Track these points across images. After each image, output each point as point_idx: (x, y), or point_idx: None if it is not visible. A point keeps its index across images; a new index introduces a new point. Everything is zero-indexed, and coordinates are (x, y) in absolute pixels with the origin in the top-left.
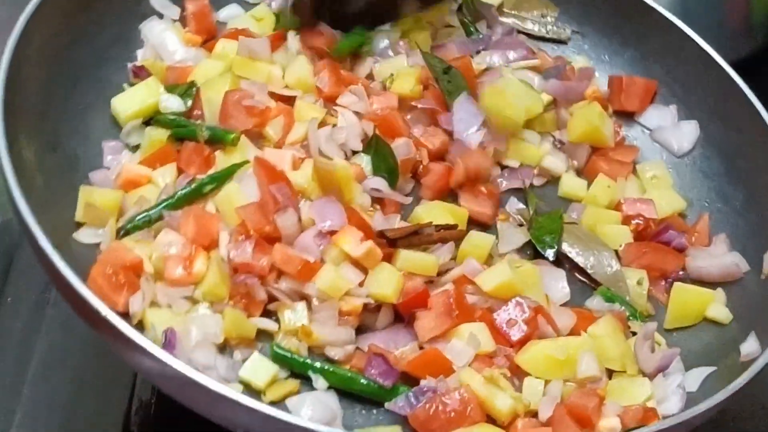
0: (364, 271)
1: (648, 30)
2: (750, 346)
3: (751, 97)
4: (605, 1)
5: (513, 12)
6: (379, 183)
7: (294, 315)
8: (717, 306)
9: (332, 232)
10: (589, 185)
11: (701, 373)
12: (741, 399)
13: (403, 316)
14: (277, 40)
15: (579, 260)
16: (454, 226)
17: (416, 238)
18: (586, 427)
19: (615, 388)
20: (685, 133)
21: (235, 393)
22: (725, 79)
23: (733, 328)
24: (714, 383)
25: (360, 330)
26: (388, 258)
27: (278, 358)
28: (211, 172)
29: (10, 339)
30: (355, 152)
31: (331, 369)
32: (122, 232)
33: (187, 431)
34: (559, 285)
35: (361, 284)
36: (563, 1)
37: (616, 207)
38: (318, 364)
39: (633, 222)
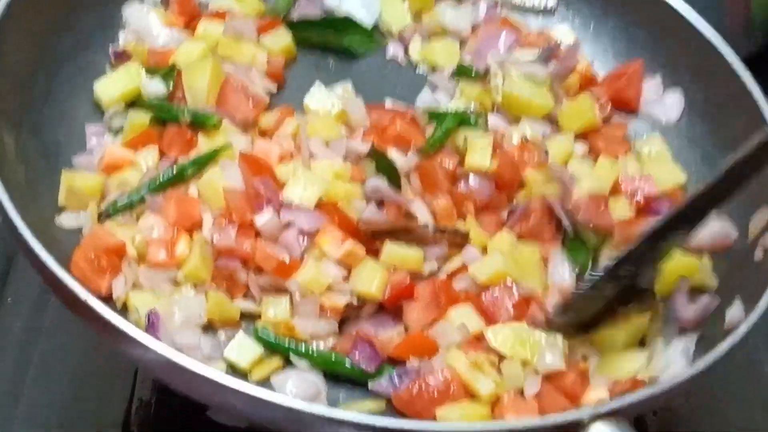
0: (348, 267)
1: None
2: (735, 311)
3: (731, 59)
4: None
5: None
6: (379, 183)
7: (275, 309)
8: (704, 271)
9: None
10: None
11: (689, 340)
12: (741, 397)
13: (388, 309)
14: (267, 27)
15: None
16: (463, 235)
17: (408, 236)
18: (573, 400)
19: (605, 362)
20: (671, 104)
21: (215, 372)
22: (706, 43)
23: (719, 294)
24: (700, 352)
25: (344, 319)
26: (376, 251)
27: (262, 341)
28: (193, 155)
29: (10, 339)
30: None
31: (315, 353)
32: (104, 216)
33: (187, 431)
34: (564, 270)
35: (346, 279)
36: None
37: (614, 186)
38: (302, 348)
39: (634, 200)
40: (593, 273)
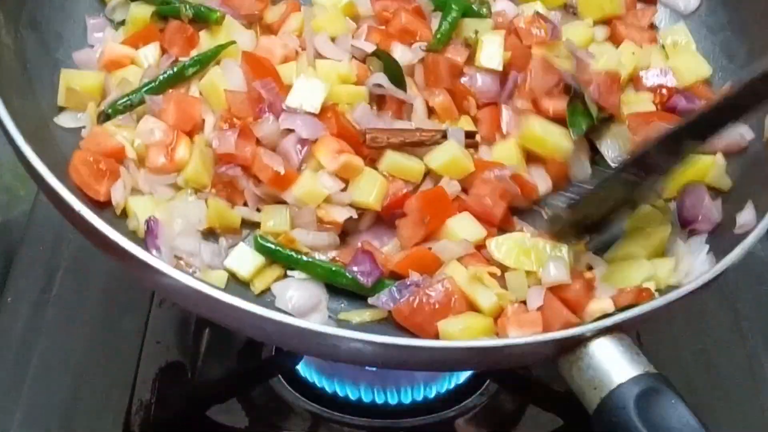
0: (346, 179)
1: None
2: (747, 215)
3: None
4: None
5: None
6: (382, 79)
7: (275, 220)
8: (717, 172)
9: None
10: None
11: (700, 241)
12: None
13: (385, 219)
14: None
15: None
16: (471, 134)
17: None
18: (576, 310)
19: (611, 271)
20: None
21: (207, 287)
22: None
23: (731, 195)
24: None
25: (345, 230)
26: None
27: (263, 250)
28: (194, 53)
29: (10, 339)
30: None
31: (315, 262)
32: (103, 116)
33: (187, 431)
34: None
35: (344, 189)
36: None
37: (635, 80)
38: (303, 258)
39: (658, 93)
40: (603, 170)
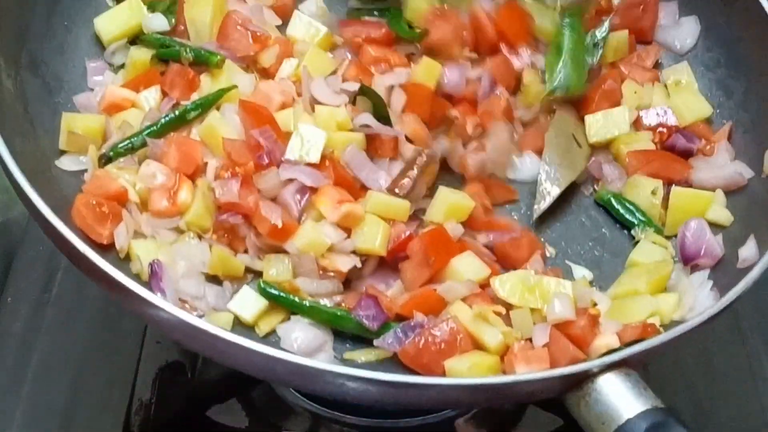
0: (347, 228)
1: None
2: (749, 250)
3: None
4: None
5: None
6: (369, 119)
7: (277, 269)
8: (717, 208)
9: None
10: None
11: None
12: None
13: (389, 263)
14: None
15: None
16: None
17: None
18: (582, 346)
19: (615, 307)
20: (687, 30)
21: (214, 328)
22: None
23: (733, 230)
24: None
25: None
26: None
27: (266, 295)
28: (195, 96)
29: (10, 339)
30: None
31: (320, 308)
32: (104, 159)
33: (186, 431)
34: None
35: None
36: None
37: (636, 120)
38: (307, 303)
39: (657, 132)
40: None
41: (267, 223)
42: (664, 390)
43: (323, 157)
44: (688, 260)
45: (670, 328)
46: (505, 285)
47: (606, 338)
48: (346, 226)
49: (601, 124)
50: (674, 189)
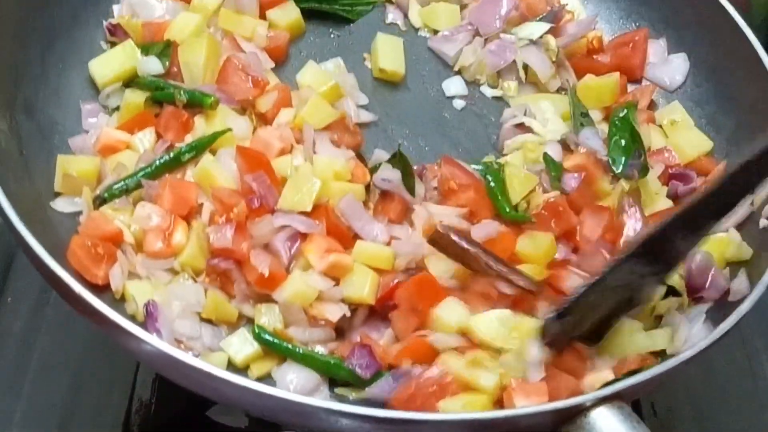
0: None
1: None
2: (739, 283)
3: (736, 18)
4: None
5: None
6: (392, 175)
7: (268, 317)
8: (734, 247)
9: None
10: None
11: (698, 311)
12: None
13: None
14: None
15: None
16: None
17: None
18: (579, 377)
19: (609, 343)
20: (676, 67)
21: (207, 365)
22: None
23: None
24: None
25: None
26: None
27: (261, 341)
28: (189, 138)
29: (10, 339)
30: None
31: (313, 355)
32: (99, 201)
33: (187, 431)
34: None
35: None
36: None
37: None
38: (301, 350)
39: (663, 174)
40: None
41: (255, 272)
42: (664, 391)
43: (317, 206)
44: (693, 292)
45: (664, 360)
46: (486, 326)
47: (601, 374)
48: (334, 276)
49: None
50: None
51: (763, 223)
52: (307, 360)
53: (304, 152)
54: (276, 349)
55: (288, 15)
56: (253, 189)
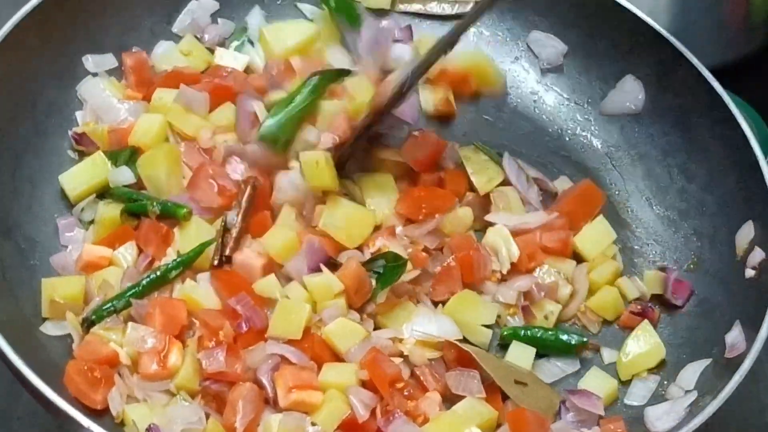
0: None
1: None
2: (735, 336)
3: (701, 69)
4: None
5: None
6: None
7: None
8: None
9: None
10: None
11: (696, 368)
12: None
13: None
14: (218, 94)
15: None
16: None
17: None
18: None
19: None
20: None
21: None
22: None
23: (717, 316)
24: (709, 377)
25: None
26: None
27: None
28: (170, 250)
29: None
30: None
31: None
32: (87, 324)
33: None
34: None
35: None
36: None
37: None
38: None
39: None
40: None
41: (229, 415)
42: None
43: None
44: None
45: None
46: None
47: None
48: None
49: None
50: None
51: (748, 273)
52: None
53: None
54: None
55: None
56: (239, 312)
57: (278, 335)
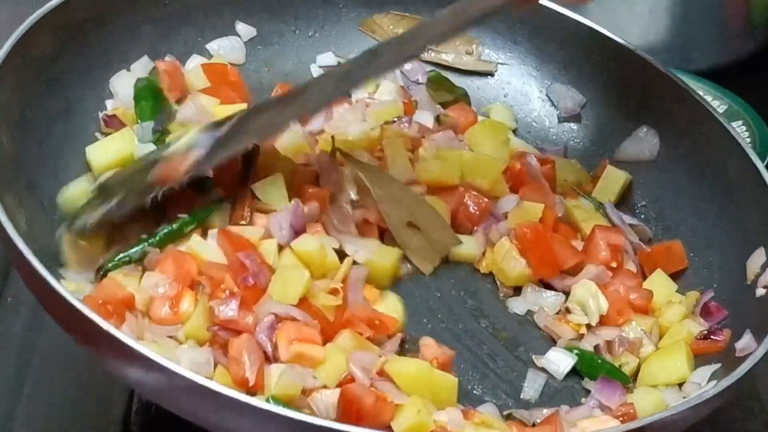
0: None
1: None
2: (745, 342)
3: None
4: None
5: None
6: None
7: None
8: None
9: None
10: None
11: (706, 371)
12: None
13: None
14: None
15: None
16: None
17: None
18: None
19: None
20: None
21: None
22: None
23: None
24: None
25: None
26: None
27: None
28: None
29: (10, 339)
30: None
31: None
32: (102, 273)
33: (186, 431)
34: None
35: None
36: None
37: None
38: None
39: None
40: None
41: (234, 370)
42: None
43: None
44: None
45: None
46: None
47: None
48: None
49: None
50: None
51: (759, 292)
52: None
53: None
54: None
55: None
56: (246, 266)
57: (277, 301)
